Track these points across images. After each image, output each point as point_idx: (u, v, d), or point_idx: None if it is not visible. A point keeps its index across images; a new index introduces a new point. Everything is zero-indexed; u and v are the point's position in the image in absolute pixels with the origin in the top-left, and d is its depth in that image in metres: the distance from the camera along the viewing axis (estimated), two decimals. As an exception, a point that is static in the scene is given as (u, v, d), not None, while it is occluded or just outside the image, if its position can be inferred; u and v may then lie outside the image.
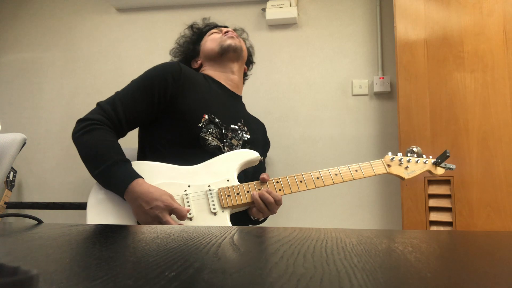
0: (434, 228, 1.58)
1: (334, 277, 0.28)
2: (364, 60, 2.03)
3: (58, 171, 2.17)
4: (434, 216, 1.57)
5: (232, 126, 1.18)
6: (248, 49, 1.45)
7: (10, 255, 0.38)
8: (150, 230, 0.58)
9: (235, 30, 1.44)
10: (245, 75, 1.46)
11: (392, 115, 1.92)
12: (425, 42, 1.68)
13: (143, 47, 2.24)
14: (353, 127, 1.98)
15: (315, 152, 1.98)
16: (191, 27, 1.46)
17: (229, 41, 1.28)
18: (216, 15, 2.24)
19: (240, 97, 1.34)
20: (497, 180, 1.53)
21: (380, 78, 1.96)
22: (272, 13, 2.01)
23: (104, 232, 0.57)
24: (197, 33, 1.43)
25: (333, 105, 2.02)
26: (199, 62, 1.37)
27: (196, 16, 2.26)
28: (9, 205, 1.98)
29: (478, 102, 1.60)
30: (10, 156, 1.18)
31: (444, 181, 1.57)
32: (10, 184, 2.01)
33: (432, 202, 1.57)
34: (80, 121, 1.08)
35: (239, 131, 1.19)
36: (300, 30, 2.08)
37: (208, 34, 1.38)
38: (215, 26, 1.43)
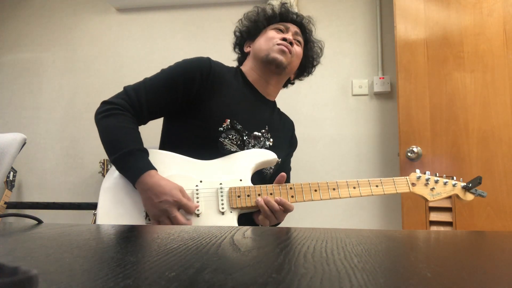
0: (434, 228, 1.58)
1: (334, 277, 0.28)
2: (364, 60, 2.03)
3: (58, 171, 2.17)
4: (434, 216, 1.57)
5: (255, 133, 1.15)
6: (308, 56, 1.31)
7: (10, 255, 0.38)
8: (150, 230, 0.58)
9: (304, 31, 1.28)
10: (288, 80, 1.36)
11: (392, 115, 1.92)
12: (425, 42, 1.68)
13: (143, 47, 2.24)
14: (353, 127, 1.98)
15: (315, 152, 1.98)
16: (265, 8, 1.28)
17: (276, 55, 1.16)
18: (216, 15, 2.24)
19: (271, 103, 1.27)
20: (497, 180, 1.53)
21: (380, 78, 1.96)
22: (272, 13, 2.01)
23: (104, 233, 0.57)
24: (268, 18, 1.26)
25: (333, 105, 2.02)
26: (248, 49, 1.27)
27: (196, 16, 2.27)
28: (9, 205, 1.98)
29: (478, 102, 1.60)
30: (10, 156, 1.18)
31: (444, 181, 1.57)
32: (10, 184, 2.01)
33: (432, 202, 1.57)
34: (104, 103, 1.07)
35: (261, 138, 1.16)
36: (300, 30, 2.08)
37: (272, 26, 1.23)
38: (286, 20, 1.25)
